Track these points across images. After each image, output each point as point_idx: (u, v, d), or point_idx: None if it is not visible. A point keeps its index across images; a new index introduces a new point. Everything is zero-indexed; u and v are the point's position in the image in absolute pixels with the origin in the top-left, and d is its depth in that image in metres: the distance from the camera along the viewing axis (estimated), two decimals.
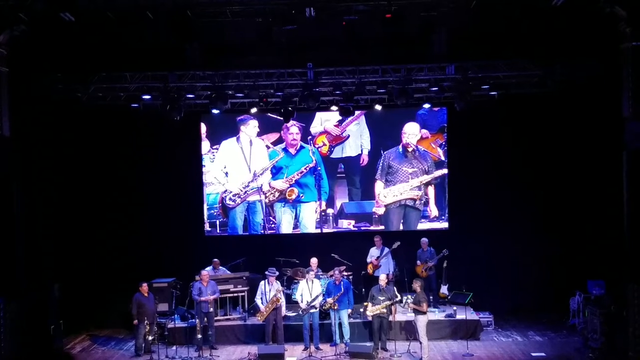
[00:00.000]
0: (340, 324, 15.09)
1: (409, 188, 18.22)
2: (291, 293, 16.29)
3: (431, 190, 18.23)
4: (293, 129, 18.29)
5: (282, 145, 18.40)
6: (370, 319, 15.00)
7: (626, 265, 12.82)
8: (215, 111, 16.72)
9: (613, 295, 14.60)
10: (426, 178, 18.18)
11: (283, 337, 15.23)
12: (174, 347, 15.28)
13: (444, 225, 18.21)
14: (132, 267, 17.34)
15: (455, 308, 15.99)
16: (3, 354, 12.38)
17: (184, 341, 15.60)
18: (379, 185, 18.28)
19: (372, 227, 18.35)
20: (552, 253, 17.48)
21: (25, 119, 13.96)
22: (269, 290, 15.15)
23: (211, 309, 15.23)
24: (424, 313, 13.66)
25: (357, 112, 17.96)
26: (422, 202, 18.23)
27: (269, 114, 17.87)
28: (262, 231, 18.45)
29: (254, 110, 17.10)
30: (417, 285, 14.30)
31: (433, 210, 18.21)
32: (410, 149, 18.16)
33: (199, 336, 14.86)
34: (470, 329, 15.66)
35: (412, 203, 18.22)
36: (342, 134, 18.38)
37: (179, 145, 18.22)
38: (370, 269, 16.50)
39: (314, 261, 16.04)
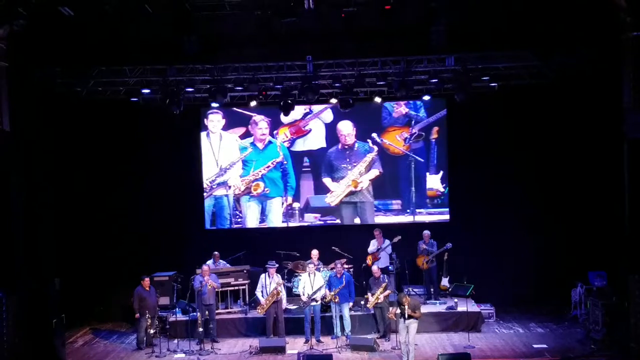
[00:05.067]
0: (341, 317, 15.10)
1: (349, 182, 18.34)
2: (292, 286, 16.30)
3: (373, 174, 18.30)
4: (262, 123, 18.40)
5: (251, 140, 18.46)
6: (372, 310, 15.16)
7: (627, 257, 12.79)
8: (214, 105, 16.74)
9: (614, 287, 14.61)
10: (361, 167, 18.28)
11: (284, 329, 15.25)
12: (176, 341, 15.35)
13: (445, 217, 18.20)
14: (134, 261, 17.39)
15: (456, 300, 15.99)
16: (6, 348, 12.39)
17: (185, 334, 15.61)
18: (327, 181, 18.43)
19: (337, 221, 18.47)
20: (554, 244, 17.48)
21: (24, 114, 13.93)
22: (270, 283, 15.16)
23: (212, 302, 15.24)
24: (418, 319, 13.59)
25: (319, 107, 18.09)
26: (370, 194, 18.33)
27: (234, 108, 18.04)
28: (229, 225, 18.54)
29: (253, 103, 17.10)
30: (404, 298, 13.52)
31: (364, 185, 18.31)
32: (346, 146, 18.28)
33: (200, 329, 14.88)
34: (472, 321, 15.67)
35: (353, 197, 18.34)
36: (304, 127, 18.40)
37: (179, 139, 18.25)
38: (369, 261, 16.50)
39: (314, 253, 16.05)
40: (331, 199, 18.41)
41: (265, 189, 18.47)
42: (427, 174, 18.34)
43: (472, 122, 17.66)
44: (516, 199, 17.71)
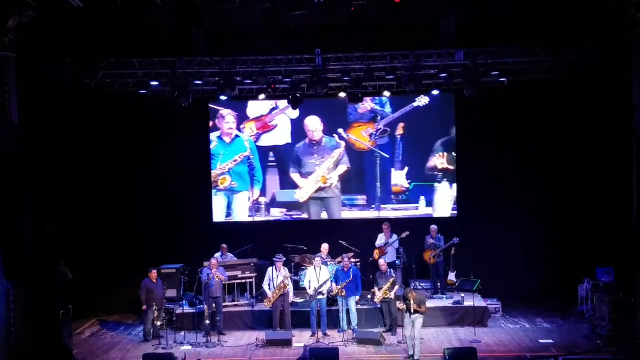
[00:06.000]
0: (347, 310, 15.12)
1: (317, 177, 18.36)
2: (299, 279, 16.32)
3: (341, 169, 18.33)
4: (229, 117, 18.44)
5: (217, 133, 18.48)
6: (379, 304, 15.19)
7: (635, 253, 12.76)
8: (223, 97, 16.74)
9: (621, 283, 14.57)
10: (329, 162, 18.30)
11: (290, 322, 15.27)
12: (182, 333, 15.37)
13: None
14: (141, 253, 17.43)
15: (463, 295, 16.00)
16: (13, 339, 12.44)
17: (192, 327, 15.66)
18: (295, 177, 18.45)
19: (303, 216, 18.51)
20: (561, 240, 17.44)
21: (33, 105, 13.95)
22: (277, 276, 15.18)
23: (219, 295, 15.28)
24: (423, 313, 13.59)
25: (284, 102, 17.98)
26: (338, 190, 18.37)
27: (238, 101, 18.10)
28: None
29: (262, 96, 17.09)
30: (409, 293, 13.60)
31: (334, 183, 18.36)
32: (314, 142, 18.28)
33: (207, 322, 14.91)
34: (478, 316, 15.67)
35: (322, 192, 18.38)
36: (270, 122, 18.40)
37: (187, 131, 18.30)
38: (376, 255, 16.49)
39: (324, 247, 16.11)
40: (300, 195, 18.44)
41: (232, 183, 18.52)
42: (392, 169, 18.38)
43: (481, 117, 17.62)
44: (524, 194, 17.69)
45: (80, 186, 17.64)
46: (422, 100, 17.82)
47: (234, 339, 15.26)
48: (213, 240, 17.27)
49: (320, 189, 18.41)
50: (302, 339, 14.95)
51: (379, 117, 18.29)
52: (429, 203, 18.28)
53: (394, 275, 15.16)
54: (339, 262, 15.88)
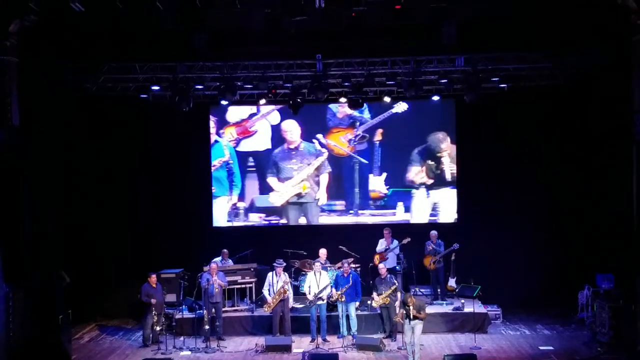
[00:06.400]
0: (347, 316, 15.10)
1: (295, 183, 18.38)
2: (299, 285, 16.30)
3: (324, 178, 18.38)
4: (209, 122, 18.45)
5: None
6: (378, 310, 15.20)
7: (635, 260, 12.73)
8: (224, 102, 16.76)
9: (622, 290, 14.54)
10: (309, 169, 18.30)
11: (290, 328, 15.25)
12: (182, 338, 15.32)
13: (452, 219, 18.21)
14: (141, 257, 17.44)
15: (463, 301, 15.99)
16: (12, 343, 12.41)
17: (191, 332, 15.60)
18: (272, 181, 18.47)
19: (282, 221, 18.53)
20: (561, 246, 17.43)
21: (34, 109, 13.96)
22: (277, 281, 15.17)
23: (219, 300, 15.25)
24: (423, 319, 13.57)
25: (267, 108, 18.17)
26: (316, 195, 18.40)
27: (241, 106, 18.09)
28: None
29: (262, 101, 17.11)
30: (409, 298, 13.53)
31: (320, 197, 18.39)
32: (292, 146, 18.31)
33: (207, 327, 14.89)
34: (478, 322, 15.64)
35: (297, 199, 18.42)
36: (250, 127, 18.42)
37: (188, 136, 18.29)
38: (376, 261, 16.47)
39: (322, 252, 16.09)
40: (275, 199, 18.46)
41: (212, 188, 18.53)
42: (371, 175, 18.42)
43: (481, 123, 17.63)
44: (524, 200, 17.68)
45: (80, 190, 17.60)
46: (401, 107, 17.88)
47: (234, 344, 15.23)
48: (213, 245, 17.26)
49: (299, 195, 18.41)
50: (301, 344, 14.93)
51: (357, 123, 18.36)
52: (407, 209, 18.37)
53: (396, 282, 15.12)
54: (339, 268, 15.86)
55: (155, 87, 16.29)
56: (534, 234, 17.60)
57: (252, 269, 16.59)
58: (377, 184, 18.39)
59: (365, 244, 17.13)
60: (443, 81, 16.03)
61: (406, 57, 15.67)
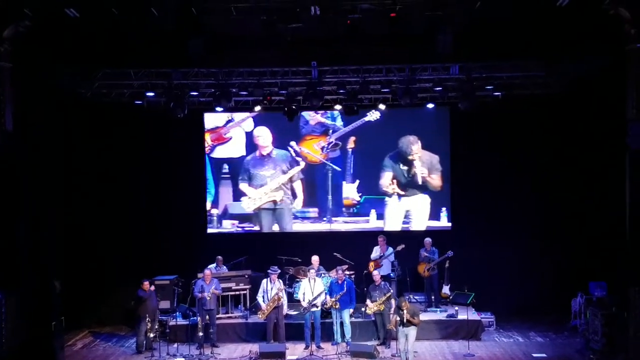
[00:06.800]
0: (341, 323, 15.09)
1: (269, 190, 18.41)
2: (293, 291, 16.29)
3: (298, 186, 18.40)
4: None
5: None
6: (372, 317, 15.23)
7: (628, 269, 12.76)
8: (219, 109, 16.76)
9: (615, 297, 14.57)
10: (283, 178, 18.32)
11: (284, 335, 15.23)
12: (175, 345, 15.31)
13: (447, 225, 18.22)
14: (135, 264, 17.38)
15: (457, 308, 16.02)
16: (4, 350, 12.36)
17: (185, 339, 15.60)
18: (244, 187, 18.48)
19: (255, 228, 18.55)
20: (555, 254, 17.48)
21: (28, 115, 13.94)
22: (271, 288, 15.15)
23: (213, 307, 15.23)
24: (417, 325, 13.58)
25: (241, 115, 18.19)
26: (291, 201, 18.42)
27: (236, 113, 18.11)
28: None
29: (257, 108, 17.12)
30: (403, 302, 13.61)
31: (296, 204, 18.44)
32: (265, 153, 18.37)
33: (201, 334, 14.88)
34: (472, 329, 15.67)
35: (273, 205, 18.41)
36: (225, 134, 18.44)
37: (182, 143, 18.26)
38: (371, 268, 16.48)
39: (315, 259, 16.07)
40: (247, 204, 18.47)
41: (206, 195, 18.56)
42: (344, 182, 18.46)
43: (476, 131, 17.68)
44: (518, 208, 17.72)
45: (74, 196, 17.56)
46: (374, 115, 17.91)
47: (228, 351, 15.20)
48: (207, 252, 17.30)
49: (274, 202, 18.43)
50: (295, 351, 14.92)
51: (330, 131, 18.39)
52: (380, 216, 18.41)
53: (390, 289, 15.14)
54: (334, 275, 15.86)
55: (150, 94, 16.28)
56: (528, 242, 17.64)
57: (246, 276, 16.58)
58: (350, 191, 18.45)
59: (360, 251, 17.13)
60: (438, 89, 16.08)
61: (401, 65, 15.74)
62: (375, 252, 16.91)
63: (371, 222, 18.42)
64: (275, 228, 18.52)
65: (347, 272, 15.97)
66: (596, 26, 13.47)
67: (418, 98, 16.16)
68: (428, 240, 17.01)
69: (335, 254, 16.68)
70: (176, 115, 16.05)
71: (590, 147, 16.68)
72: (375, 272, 15.40)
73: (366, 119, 17.91)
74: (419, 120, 18.05)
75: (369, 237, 17.73)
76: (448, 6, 12.80)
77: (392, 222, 18.38)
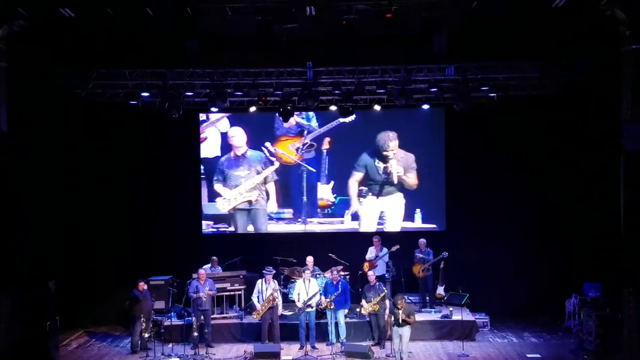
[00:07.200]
0: (336, 324, 15.10)
1: (244, 191, 18.39)
2: (288, 292, 16.29)
3: (272, 187, 18.43)
4: None
5: None
6: (367, 317, 15.23)
7: (622, 270, 12.79)
8: (214, 109, 16.75)
9: (609, 298, 14.62)
10: (257, 178, 18.35)
11: (279, 335, 15.22)
12: (170, 345, 15.32)
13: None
14: (130, 264, 17.35)
15: (451, 309, 16.05)
16: None
17: (180, 339, 15.57)
18: (218, 187, 18.44)
19: (230, 229, 18.52)
20: (549, 255, 17.51)
21: (23, 114, 13.91)
22: (266, 289, 15.14)
23: (207, 307, 15.22)
24: (411, 324, 13.58)
25: (216, 115, 18.15)
26: (266, 202, 18.40)
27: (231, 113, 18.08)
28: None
29: (252, 109, 17.10)
30: (399, 300, 13.67)
31: (270, 206, 18.44)
32: (239, 153, 18.37)
33: (195, 334, 14.87)
34: (466, 330, 15.69)
35: (248, 205, 18.41)
36: (200, 134, 18.43)
37: (177, 143, 18.23)
38: (366, 268, 16.48)
39: (309, 259, 16.06)
40: (222, 205, 18.43)
41: (200, 195, 18.50)
42: (319, 183, 18.45)
43: (471, 132, 17.69)
44: (513, 209, 17.73)
45: (69, 196, 17.53)
46: (348, 117, 17.87)
47: (222, 351, 15.20)
48: (202, 252, 17.27)
49: (249, 202, 18.41)
50: (290, 352, 14.94)
51: (305, 132, 18.37)
52: (355, 217, 18.39)
53: (385, 290, 15.15)
54: (328, 276, 15.86)
55: (145, 94, 16.26)
56: (523, 243, 17.67)
57: (241, 276, 16.57)
58: (325, 192, 18.42)
59: (355, 251, 17.13)
60: (433, 90, 16.08)
61: (397, 66, 15.72)
62: (370, 253, 16.90)
63: (346, 223, 18.41)
64: (250, 229, 18.48)
65: (342, 273, 15.97)
66: (592, 27, 13.53)
67: (413, 99, 16.15)
68: (422, 241, 17.01)
69: (330, 254, 16.67)
70: (171, 116, 16.05)
71: (585, 148, 16.70)
72: (370, 273, 15.41)
73: (341, 120, 17.75)
74: (435, 119, 18.04)
75: (357, 238, 17.90)
76: (444, 7, 12.85)
77: (367, 223, 18.36)
